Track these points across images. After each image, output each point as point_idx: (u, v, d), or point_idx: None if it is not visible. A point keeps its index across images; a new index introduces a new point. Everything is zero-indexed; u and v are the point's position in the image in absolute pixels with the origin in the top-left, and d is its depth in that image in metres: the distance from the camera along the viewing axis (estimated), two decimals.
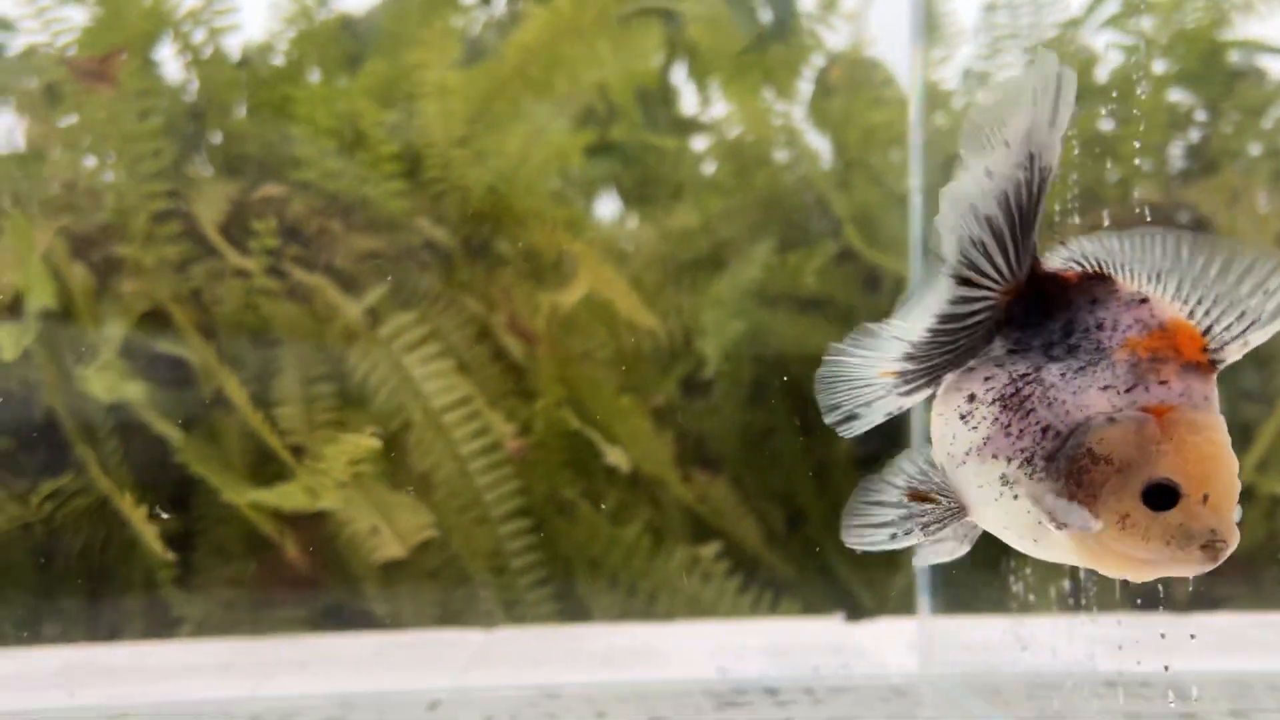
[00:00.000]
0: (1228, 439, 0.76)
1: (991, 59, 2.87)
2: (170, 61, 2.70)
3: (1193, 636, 1.15)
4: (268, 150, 2.82)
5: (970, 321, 0.80)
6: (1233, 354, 0.78)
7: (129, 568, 2.47)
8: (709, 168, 3.24)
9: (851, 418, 0.87)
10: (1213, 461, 0.74)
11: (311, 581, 2.58)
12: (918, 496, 0.86)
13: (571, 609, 2.55)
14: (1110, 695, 1.40)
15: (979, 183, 0.79)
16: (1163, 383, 0.76)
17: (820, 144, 3.16)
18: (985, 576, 2.04)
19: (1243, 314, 0.77)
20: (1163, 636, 1.11)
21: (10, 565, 2.42)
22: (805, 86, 3.11)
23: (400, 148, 2.80)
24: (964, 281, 0.80)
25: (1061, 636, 1.33)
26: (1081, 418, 0.76)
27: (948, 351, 0.82)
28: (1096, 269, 0.81)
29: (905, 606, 2.06)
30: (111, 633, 2.37)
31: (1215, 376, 0.78)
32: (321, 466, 2.29)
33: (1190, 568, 0.75)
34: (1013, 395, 0.79)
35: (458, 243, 2.86)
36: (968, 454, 0.80)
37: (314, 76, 2.87)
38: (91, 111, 2.60)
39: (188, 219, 2.62)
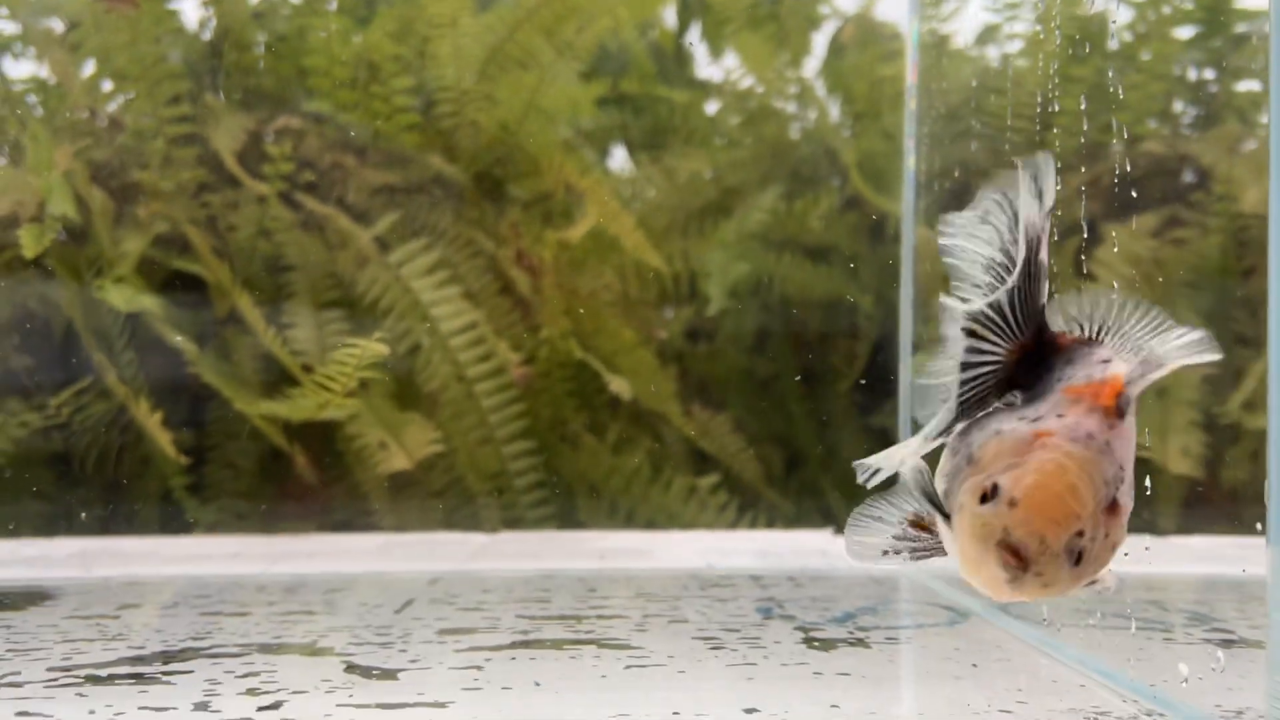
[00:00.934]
0: (1086, 472, 0.79)
1: (1002, 11, 2.89)
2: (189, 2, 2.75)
3: (1147, 548, 1.22)
4: (283, 85, 2.88)
5: (980, 373, 0.88)
6: (1135, 392, 0.84)
7: (144, 476, 2.55)
8: (719, 120, 3.28)
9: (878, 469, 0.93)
10: (1042, 476, 0.79)
11: (320, 493, 2.65)
12: (918, 525, 0.92)
13: (570, 529, 2.62)
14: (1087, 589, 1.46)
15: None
16: (1060, 416, 0.83)
17: (828, 97, 3.19)
18: None
19: (1147, 359, 0.85)
20: (1146, 549, 1.17)
21: (30, 469, 2.50)
22: (815, 39, 3.15)
23: (414, 83, 2.85)
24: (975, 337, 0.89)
25: None
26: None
27: (963, 398, 0.89)
28: (1093, 333, 0.89)
29: None
30: (124, 531, 2.45)
31: (1119, 422, 0.83)
32: (332, 371, 2.35)
33: (995, 579, 0.79)
34: (978, 431, 0.86)
35: (469, 180, 2.91)
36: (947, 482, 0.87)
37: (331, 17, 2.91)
38: (112, 36, 2.65)
39: (205, 146, 2.68)
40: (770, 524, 2.69)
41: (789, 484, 2.91)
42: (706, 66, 3.26)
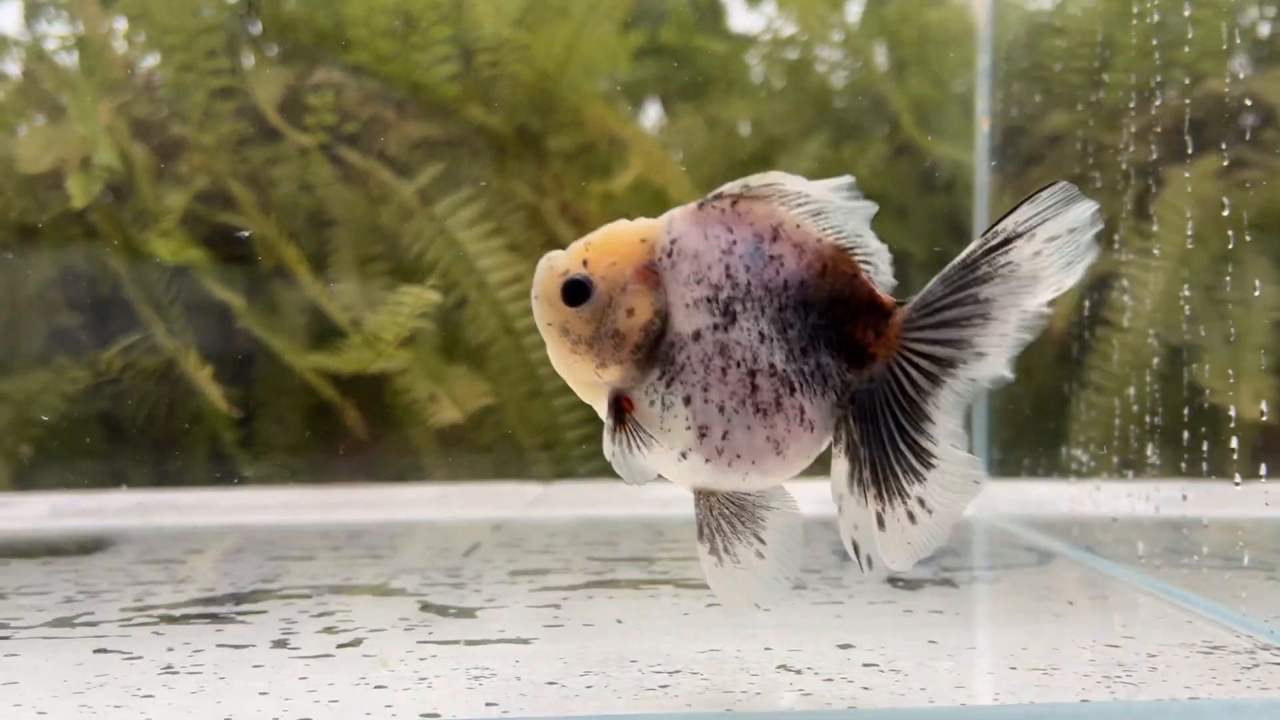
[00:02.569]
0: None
1: None
2: None
3: (1185, 497, 1.17)
4: (320, 37, 2.83)
5: None
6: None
7: (195, 430, 2.54)
8: (761, 69, 3.20)
9: None
10: None
11: (370, 447, 2.63)
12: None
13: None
14: (1156, 531, 1.41)
15: None
16: None
17: (872, 43, 3.10)
18: (1044, 443, 2.05)
19: None
20: (1184, 498, 1.13)
21: (81, 426, 2.50)
22: None
23: (452, 33, 2.79)
24: None
25: (1110, 495, 1.34)
26: None
27: None
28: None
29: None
30: (176, 484, 2.45)
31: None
32: (384, 321, 2.32)
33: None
34: None
35: (510, 131, 2.86)
36: None
37: None
38: None
39: (245, 100, 2.65)
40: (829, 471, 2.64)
41: None
42: (746, 15, 3.18)
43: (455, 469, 2.63)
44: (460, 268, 2.69)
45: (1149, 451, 1.84)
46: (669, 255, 0.89)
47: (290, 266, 2.57)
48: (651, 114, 3.17)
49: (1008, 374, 0.90)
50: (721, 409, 0.88)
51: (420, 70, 2.78)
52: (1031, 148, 2.64)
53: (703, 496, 0.93)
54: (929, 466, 0.90)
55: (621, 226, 0.92)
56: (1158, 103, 2.28)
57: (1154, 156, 2.32)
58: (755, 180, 0.90)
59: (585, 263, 0.89)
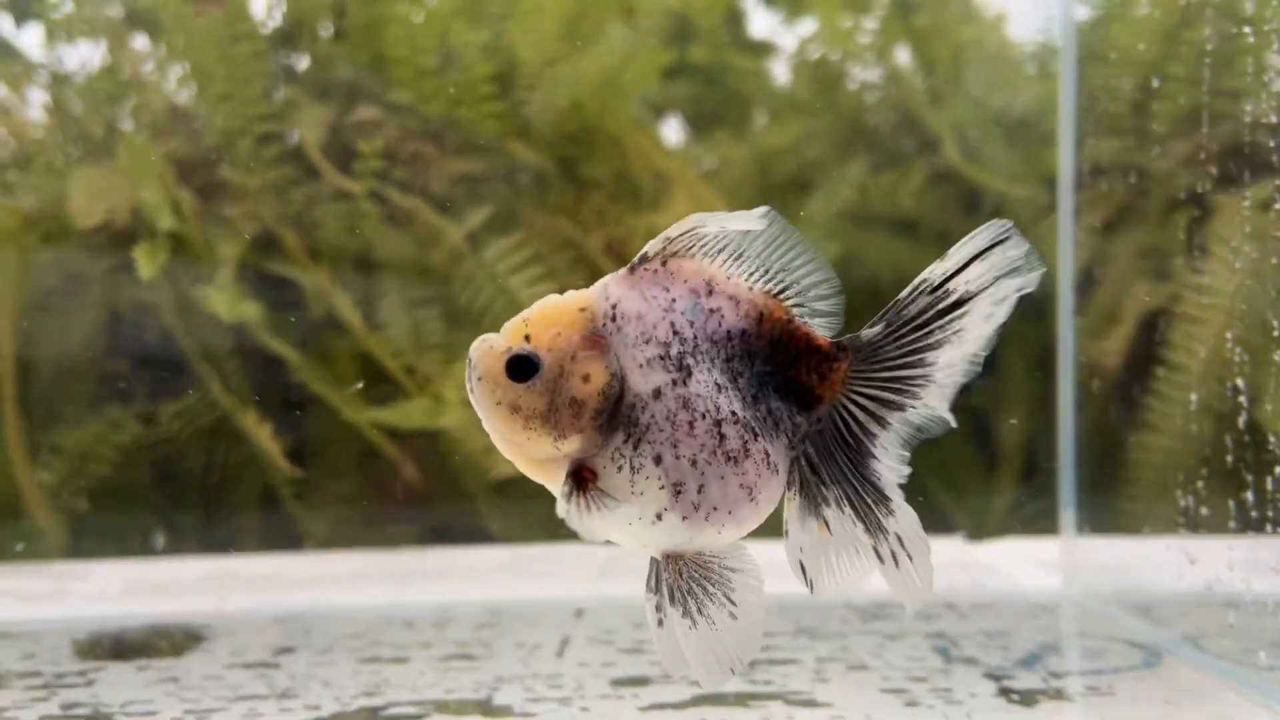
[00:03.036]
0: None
1: None
2: None
3: None
4: (358, 74, 2.82)
5: None
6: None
7: (254, 487, 2.54)
8: (790, 88, 3.17)
9: None
10: None
11: (426, 499, 2.63)
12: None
13: None
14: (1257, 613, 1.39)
15: None
16: None
17: (909, 65, 3.07)
18: (1141, 495, 2.02)
19: None
20: None
21: (135, 483, 2.50)
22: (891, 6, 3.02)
23: (495, 69, 2.78)
24: None
25: (1226, 557, 1.32)
26: None
27: None
28: None
29: (1040, 526, 2.05)
30: (236, 546, 2.44)
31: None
32: (444, 383, 2.32)
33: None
34: None
35: (551, 164, 2.84)
36: None
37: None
38: (185, 34, 2.60)
39: (288, 143, 2.64)
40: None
41: None
42: (778, 34, 3.16)
43: (514, 523, 2.63)
44: (512, 313, 2.69)
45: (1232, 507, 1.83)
46: (612, 320, 0.90)
47: (341, 314, 2.57)
48: (687, 136, 3.15)
49: (950, 420, 0.95)
50: (694, 462, 0.89)
51: (463, 106, 2.77)
52: (1103, 176, 2.61)
53: (671, 560, 0.93)
54: (887, 499, 0.93)
55: (556, 299, 0.92)
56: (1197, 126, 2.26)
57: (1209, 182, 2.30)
58: (675, 231, 0.93)
59: (527, 338, 0.90)
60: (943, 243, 3.32)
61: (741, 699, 1.24)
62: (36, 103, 2.66)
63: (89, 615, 1.74)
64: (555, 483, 0.91)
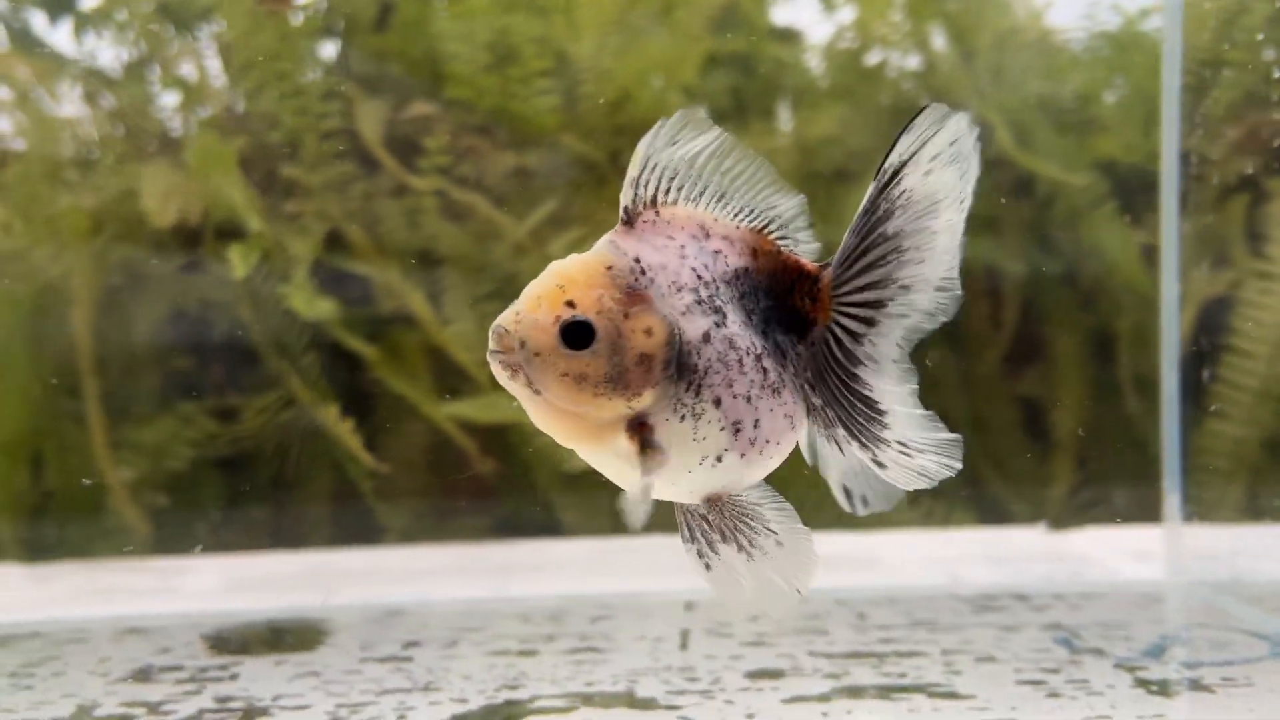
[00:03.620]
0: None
1: None
2: None
3: None
4: (413, 68, 2.83)
5: None
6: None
7: (324, 479, 2.57)
8: (827, 77, 3.17)
9: None
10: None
11: (502, 495, 2.66)
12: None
13: None
14: None
15: None
16: None
17: (948, 50, 3.07)
18: (1249, 481, 2.04)
19: None
20: None
21: (212, 478, 2.53)
22: None
23: (551, 64, 2.79)
24: None
25: None
26: None
27: None
28: None
29: (1135, 515, 2.07)
30: (315, 541, 2.47)
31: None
32: None
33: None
34: None
35: (605, 158, 2.86)
36: None
37: None
38: (246, 31, 2.62)
39: (352, 140, 2.65)
40: (947, 511, 2.63)
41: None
42: (813, 23, 3.16)
43: (589, 515, 2.66)
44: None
45: None
46: (643, 274, 0.90)
47: (413, 309, 2.59)
48: (731, 125, 3.15)
49: (940, 312, 0.95)
50: (748, 399, 0.91)
51: (518, 101, 2.78)
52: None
53: (712, 504, 0.94)
54: (883, 413, 0.93)
55: (575, 262, 0.91)
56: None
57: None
58: (634, 171, 0.93)
59: (570, 303, 0.87)
60: (992, 230, 3.31)
61: (883, 691, 1.27)
62: (98, 101, 2.68)
63: (203, 610, 1.77)
64: (608, 447, 0.89)
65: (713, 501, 0.94)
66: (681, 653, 1.44)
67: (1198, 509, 1.90)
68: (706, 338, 0.90)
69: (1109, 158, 2.78)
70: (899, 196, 0.91)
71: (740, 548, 0.95)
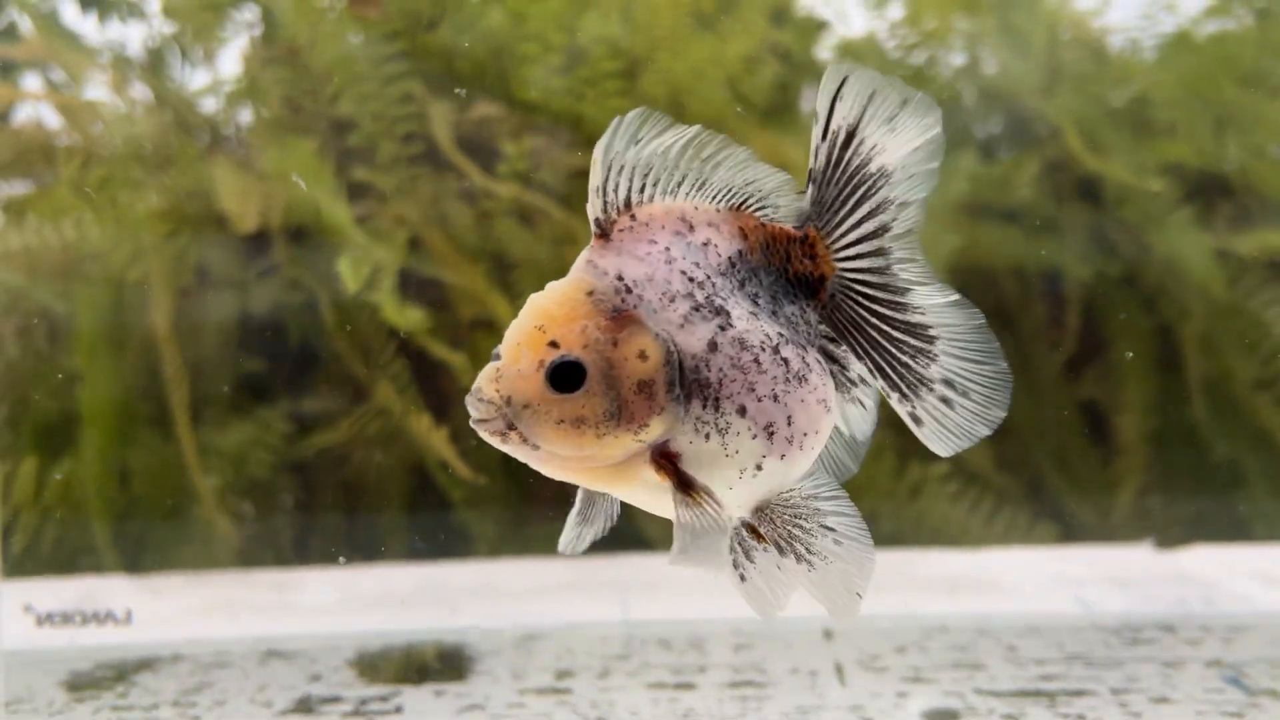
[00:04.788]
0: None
1: None
2: None
3: None
4: (479, 69, 2.80)
5: None
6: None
7: (425, 492, 2.55)
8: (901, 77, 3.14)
9: None
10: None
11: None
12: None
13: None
14: None
15: None
16: None
17: (1004, 47, 3.05)
18: None
19: None
20: None
21: (295, 482, 2.52)
22: None
23: (623, 64, 2.76)
24: None
25: None
26: None
27: None
28: None
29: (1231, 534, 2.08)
30: (413, 553, 2.46)
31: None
32: None
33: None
34: None
35: None
36: None
37: None
38: (322, 34, 2.59)
39: (428, 143, 2.63)
40: (1030, 523, 2.61)
41: (1011, 467, 2.83)
42: (869, 19, 3.13)
43: (667, 525, 2.64)
44: None
45: None
46: (628, 291, 0.85)
47: (494, 314, 2.57)
48: (791, 122, 3.13)
49: (931, 179, 0.94)
50: (775, 397, 0.86)
51: (585, 103, 2.76)
52: None
53: (761, 515, 0.88)
54: (931, 340, 0.91)
55: (552, 294, 0.86)
56: None
57: None
58: (595, 180, 0.88)
59: (553, 344, 0.82)
60: (1055, 233, 3.29)
61: None
62: (164, 101, 2.65)
63: (335, 632, 1.76)
64: (635, 481, 0.85)
65: (762, 510, 0.88)
66: (843, 689, 1.44)
67: None
68: (713, 346, 0.85)
69: (1176, 160, 2.77)
70: (870, 149, 0.91)
71: (799, 557, 0.88)
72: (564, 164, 2.79)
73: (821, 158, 0.92)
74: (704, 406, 0.83)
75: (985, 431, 0.93)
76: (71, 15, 2.50)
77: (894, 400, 0.93)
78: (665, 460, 0.83)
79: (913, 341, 0.92)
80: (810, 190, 0.92)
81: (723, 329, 0.85)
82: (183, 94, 2.66)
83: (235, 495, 2.48)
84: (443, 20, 2.75)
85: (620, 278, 0.85)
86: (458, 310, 2.64)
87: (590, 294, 0.84)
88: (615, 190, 0.87)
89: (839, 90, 0.91)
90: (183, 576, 2.12)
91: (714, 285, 0.87)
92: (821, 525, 0.89)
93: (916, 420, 0.92)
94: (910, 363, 0.91)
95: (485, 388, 0.83)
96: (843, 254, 0.93)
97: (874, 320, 0.92)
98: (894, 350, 0.92)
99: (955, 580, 1.98)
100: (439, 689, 1.46)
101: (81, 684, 1.54)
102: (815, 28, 3.11)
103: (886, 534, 2.57)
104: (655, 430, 0.82)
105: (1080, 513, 2.61)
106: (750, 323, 0.87)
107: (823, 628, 1.70)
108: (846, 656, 1.56)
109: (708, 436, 0.83)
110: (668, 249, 0.87)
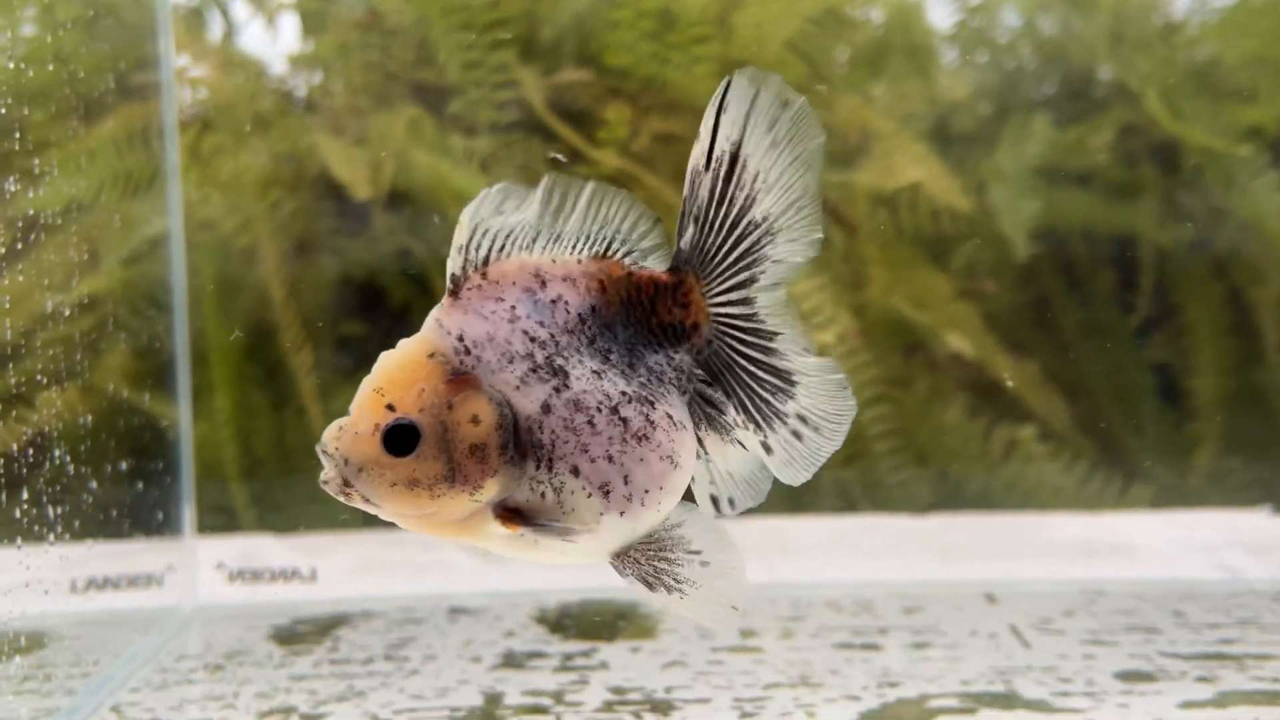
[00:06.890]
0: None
1: None
2: None
3: None
4: (562, 34, 2.81)
5: None
6: None
7: None
8: (960, 39, 3.14)
9: None
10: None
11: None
12: None
13: (914, 495, 2.60)
14: None
15: None
16: None
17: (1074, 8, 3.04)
18: None
19: None
20: None
21: None
22: None
23: (711, 30, 2.76)
24: None
25: None
26: None
27: None
28: None
29: None
30: None
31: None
32: None
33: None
34: None
35: None
36: None
37: None
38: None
39: (526, 111, 2.64)
40: (1124, 486, 2.64)
41: (1090, 430, 2.85)
42: None
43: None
44: None
45: None
46: (467, 353, 0.87)
47: None
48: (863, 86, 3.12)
49: (812, 249, 0.94)
50: (610, 458, 0.88)
51: (674, 69, 2.76)
52: None
53: (622, 559, 0.91)
54: (792, 383, 0.95)
55: (395, 356, 0.87)
56: None
57: None
58: (461, 238, 0.89)
59: (390, 407, 0.84)
60: (1131, 197, 3.30)
61: (1270, 698, 1.31)
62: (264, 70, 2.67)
63: (506, 590, 1.81)
64: (483, 533, 0.88)
65: (621, 557, 0.91)
66: (1028, 650, 1.49)
67: None
68: (546, 409, 0.87)
69: (1257, 125, 2.78)
70: (754, 181, 0.91)
71: (670, 589, 0.92)
72: (645, 128, 2.80)
73: (704, 192, 0.92)
74: (538, 467, 0.86)
75: (829, 454, 0.96)
76: None
77: (748, 432, 0.95)
78: (508, 513, 0.86)
79: (775, 381, 0.95)
80: (690, 232, 0.93)
81: (558, 390, 0.87)
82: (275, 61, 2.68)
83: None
84: None
85: (461, 338, 0.87)
86: None
87: (431, 355, 0.86)
88: (478, 249, 0.89)
89: (723, 101, 0.92)
90: (328, 537, 2.17)
91: (557, 345, 0.89)
92: (686, 550, 0.92)
93: (768, 450, 0.96)
94: (770, 398, 0.95)
95: (329, 443, 0.85)
96: (718, 299, 0.94)
97: (743, 362, 0.95)
98: (757, 387, 0.95)
99: (1092, 545, 2.04)
100: (634, 645, 1.53)
101: (288, 638, 1.60)
102: None
103: (975, 494, 2.62)
104: (491, 490, 0.85)
105: (1159, 475, 2.66)
106: (590, 383, 0.88)
107: (984, 592, 1.76)
108: (1019, 620, 1.62)
109: (544, 495, 0.86)
110: (513, 307, 0.89)
